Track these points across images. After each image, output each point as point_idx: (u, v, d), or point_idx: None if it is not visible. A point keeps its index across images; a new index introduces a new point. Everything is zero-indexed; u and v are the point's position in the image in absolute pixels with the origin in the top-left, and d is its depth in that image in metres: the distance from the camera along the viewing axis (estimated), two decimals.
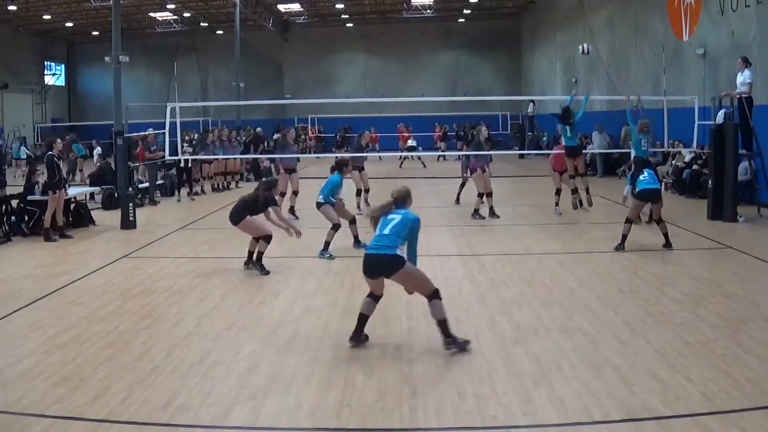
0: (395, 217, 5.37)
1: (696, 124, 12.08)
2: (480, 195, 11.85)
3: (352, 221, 9.42)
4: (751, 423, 3.95)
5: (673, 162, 15.74)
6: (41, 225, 10.86)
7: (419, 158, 24.54)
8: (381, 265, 5.27)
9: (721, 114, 12.09)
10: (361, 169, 12.91)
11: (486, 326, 5.92)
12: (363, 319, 5.45)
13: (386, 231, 5.31)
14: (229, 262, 8.88)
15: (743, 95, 11.74)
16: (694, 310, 6.26)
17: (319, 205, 9.22)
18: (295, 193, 12.26)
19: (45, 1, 29.17)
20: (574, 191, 11.88)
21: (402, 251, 5.27)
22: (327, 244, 8.95)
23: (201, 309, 6.63)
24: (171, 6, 31.22)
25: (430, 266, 8.32)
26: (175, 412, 4.27)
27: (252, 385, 4.71)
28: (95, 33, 35.53)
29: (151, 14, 33.16)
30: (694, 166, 14.42)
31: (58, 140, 11.48)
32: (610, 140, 20.09)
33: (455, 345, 5.23)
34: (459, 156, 17.28)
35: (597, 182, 17.70)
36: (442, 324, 5.25)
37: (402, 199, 5.53)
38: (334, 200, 9.26)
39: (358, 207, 12.50)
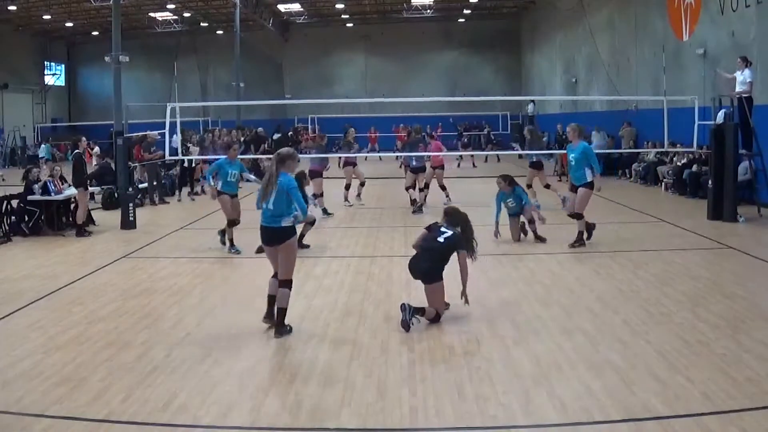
0: (275, 188, 5.71)
1: (696, 124, 12.07)
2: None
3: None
4: (751, 423, 3.95)
5: (674, 159, 15.74)
6: (41, 225, 10.93)
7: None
8: (273, 236, 5.76)
9: (721, 114, 12.08)
10: (354, 165, 14.25)
11: (486, 326, 5.91)
12: (271, 298, 5.88)
13: (270, 205, 5.73)
14: (229, 262, 8.88)
15: (743, 95, 11.74)
16: (694, 310, 6.26)
17: None
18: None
19: (45, 1, 29.14)
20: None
21: (287, 221, 5.68)
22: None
23: (201, 309, 6.63)
24: (171, 6, 31.20)
25: None
26: (175, 412, 4.27)
27: (252, 385, 4.71)
28: (95, 33, 35.51)
29: (151, 14, 33.14)
30: (694, 167, 14.42)
31: (83, 138, 11.94)
32: (610, 141, 20.08)
33: (282, 333, 5.66)
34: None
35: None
36: (281, 312, 5.69)
37: (281, 161, 5.79)
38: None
39: (346, 199, 14.04)
